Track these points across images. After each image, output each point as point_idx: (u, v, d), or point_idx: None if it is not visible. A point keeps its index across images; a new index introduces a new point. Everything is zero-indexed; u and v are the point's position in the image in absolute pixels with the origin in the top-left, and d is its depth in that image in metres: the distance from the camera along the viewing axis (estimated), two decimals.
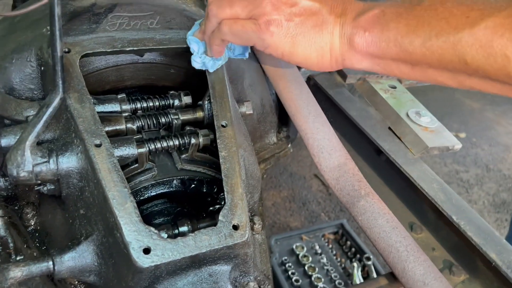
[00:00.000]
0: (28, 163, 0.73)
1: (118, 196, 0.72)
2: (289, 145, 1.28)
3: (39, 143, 0.77)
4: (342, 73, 1.22)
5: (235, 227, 0.77)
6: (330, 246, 2.10)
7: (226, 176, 0.81)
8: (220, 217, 0.77)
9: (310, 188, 2.54)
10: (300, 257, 2.02)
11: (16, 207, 0.92)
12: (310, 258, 2.01)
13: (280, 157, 1.26)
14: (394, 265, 0.87)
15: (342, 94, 1.17)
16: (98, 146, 0.75)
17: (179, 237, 0.73)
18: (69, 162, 0.77)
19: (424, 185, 0.95)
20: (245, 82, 1.07)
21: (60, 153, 0.76)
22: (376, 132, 1.06)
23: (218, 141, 0.84)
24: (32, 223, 0.91)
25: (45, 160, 0.75)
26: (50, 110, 0.74)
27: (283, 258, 2.00)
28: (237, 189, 0.80)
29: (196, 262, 0.74)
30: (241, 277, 0.82)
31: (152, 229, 0.71)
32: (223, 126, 0.86)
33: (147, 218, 0.91)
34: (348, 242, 2.11)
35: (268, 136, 1.22)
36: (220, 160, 0.82)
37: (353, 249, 2.08)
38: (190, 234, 0.74)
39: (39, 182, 0.76)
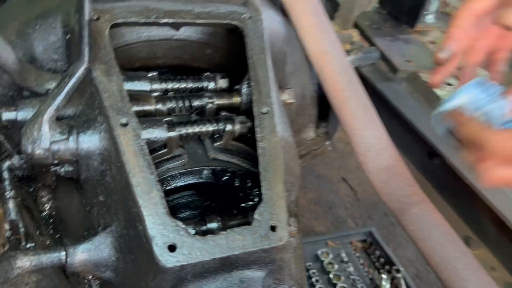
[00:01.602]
0: (45, 140, 0.65)
1: (144, 183, 0.63)
2: (328, 143, 1.18)
3: (58, 118, 0.69)
4: (392, 66, 1.11)
5: (273, 228, 0.67)
6: (358, 254, 1.98)
7: (264, 169, 0.71)
8: (256, 216, 0.67)
9: (337, 192, 2.42)
10: (325, 264, 1.90)
11: (31, 189, 0.85)
12: (336, 266, 1.89)
13: (317, 155, 1.16)
14: (450, 283, 0.76)
15: (392, 89, 1.05)
16: (124, 125, 0.66)
17: (209, 235, 0.63)
18: (90, 141, 0.68)
19: (489, 194, 0.83)
20: (286, 67, 0.97)
21: (81, 130, 0.68)
22: (431, 133, 0.94)
23: (256, 129, 0.74)
24: (47, 208, 0.83)
25: (64, 137, 0.67)
26: (73, 80, 0.65)
27: (307, 264, 1.89)
28: (276, 185, 0.70)
29: (226, 265, 0.65)
30: (275, 285, 0.72)
31: (180, 223, 0.62)
32: (263, 113, 0.76)
33: (172, 211, 0.82)
34: (377, 252, 1.98)
35: (306, 131, 1.12)
36: (258, 151, 0.73)
37: (381, 260, 1.95)
38: (221, 232, 0.64)
39: (56, 162, 0.68)
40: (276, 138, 0.75)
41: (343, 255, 1.95)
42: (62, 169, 0.72)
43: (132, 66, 0.88)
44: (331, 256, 1.94)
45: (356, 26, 1.26)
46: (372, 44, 1.18)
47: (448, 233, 0.79)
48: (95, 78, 0.69)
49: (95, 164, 0.70)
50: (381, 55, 1.14)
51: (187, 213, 0.83)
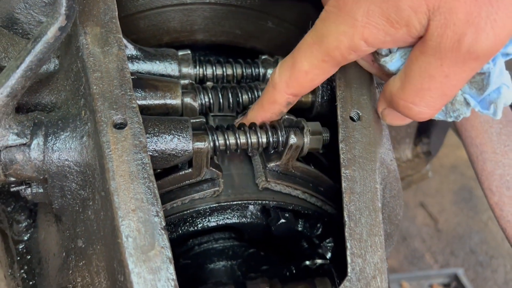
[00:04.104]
0: None
1: (139, 231, 0.35)
2: (428, 166, 0.84)
3: (21, 109, 0.43)
4: None
5: None
6: None
7: (352, 217, 0.41)
8: None
9: (414, 219, 2.04)
10: None
11: (10, 208, 0.60)
12: None
13: (413, 182, 0.83)
14: None
15: None
16: (120, 126, 0.40)
17: None
18: (65, 150, 0.42)
19: None
20: None
21: (52, 132, 0.42)
22: None
23: (341, 145, 0.45)
24: (25, 238, 0.59)
25: (24, 141, 0.41)
26: (38, 47, 0.39)
27: None
28: (372, 248, 0.40)
29: None
30: None
31: None
32: (352, 119, 0.46)
33: (199, 258, 0.56)
34: None
35: (401, 149, 0.80)
36: (343, 185, 0.43)
37: None
38: None
39: (12, 179, 0.42)
40: (373, 163, 0.44)
41: None
42: (28, 191, 0.46)
43: (159, 42, 0.62)
44: None
45: None
46: None
47: None
48: (82, 47, 0.43)
49: (74, 187, 0.43)
50: None
51: (221, 263, 0.55)
